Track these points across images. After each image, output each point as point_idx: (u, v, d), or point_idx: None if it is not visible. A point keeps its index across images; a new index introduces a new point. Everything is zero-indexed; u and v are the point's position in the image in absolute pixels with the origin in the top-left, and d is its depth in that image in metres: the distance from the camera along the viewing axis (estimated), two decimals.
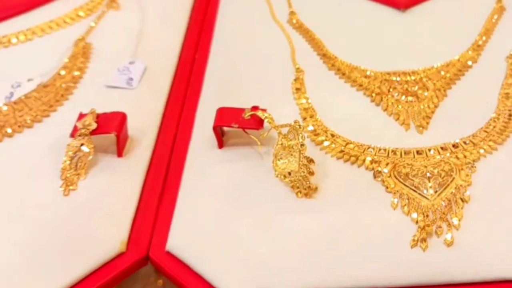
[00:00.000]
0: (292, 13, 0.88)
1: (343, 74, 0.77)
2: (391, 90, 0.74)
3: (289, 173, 0.63)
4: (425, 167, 0.64)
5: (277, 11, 0.89)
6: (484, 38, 0.80)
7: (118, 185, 0.68)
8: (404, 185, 0.63)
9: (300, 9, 0.88)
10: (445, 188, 0.62)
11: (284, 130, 0.65)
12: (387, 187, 0.63)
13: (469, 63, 0.77)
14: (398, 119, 0.71)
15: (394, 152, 0.66)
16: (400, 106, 0.72)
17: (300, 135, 0.64)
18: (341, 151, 0.67)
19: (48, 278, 0.59)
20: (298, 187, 0.63)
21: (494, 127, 0.68)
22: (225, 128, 0.70)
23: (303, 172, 0.63)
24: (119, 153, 0.70)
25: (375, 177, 0.64)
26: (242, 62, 0.81)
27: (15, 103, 0.77)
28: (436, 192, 0.61)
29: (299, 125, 0.64)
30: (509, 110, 0.70)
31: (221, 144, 0.70)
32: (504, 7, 0.84)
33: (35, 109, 0.76)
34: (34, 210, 0.65)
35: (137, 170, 0.70)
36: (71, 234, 0.63)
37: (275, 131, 0.66)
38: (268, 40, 0.84)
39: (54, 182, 0.68)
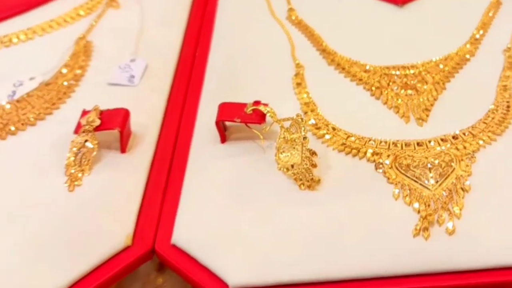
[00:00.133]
0: (291, 9, 0.88)
1: (343, 68, 0.78)
2: (390, 84, 0.75)
3: (292, 166, 0.64)
4: (426, 158, 0.65)
5: (275, 7, 0.89)
6: (481, 32, 0.81)
7: (123, 180, 0.69)
8: (406, 176, 0.63)
9: (299, 5, 0.89)
10: (446, 178, 0.63)
11: (286, 124, 0.66)
12: (388, 179, 0.64)
13: (467, 56, 0.78)
14: (398, 112, 0.71)
15: (395, 144, 0.67)
16: (399, 100, 0.73)
17: (303, 128, 0.64)
18: (343, 144, 0.68)
19: (56, 273, 0.60)
20: (301, 180, 0.64)
21: (493, 118, 0.69)
22: (228, 123, 0.70)
23: (306, 164, 0.63)
24: (123, 149, 0.71)
25: (376, 168, 0.65)
26: (242, 58, 0.82)
27: (17, 101, 0.77)
28: (437, 182, 0.62)
29: (301, 118, 0.65)
30: (507, 102, 0.71)
31: (223, 139, 0.71)
32: (501, 1, 0.85)
33: (37, 107, 0.77)
34: (39, 206, 0.66)
35: (140, 166, 0.71)
36: (77, 229, 0.64)
37: (277, 125, 0.66)
38: (267, 37, 0.85)
39: (59, 178, 0.68)
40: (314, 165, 0.64)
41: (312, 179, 0.64)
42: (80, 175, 0.68)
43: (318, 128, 0.70)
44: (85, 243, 0.62)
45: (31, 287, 0.59)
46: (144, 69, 0.82)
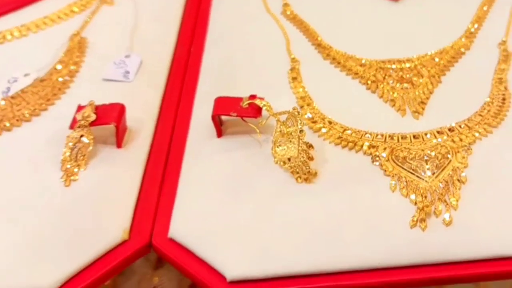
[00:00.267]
0: (285, 4, 0.88)
1: (339, 63, 0.78)
2: (386, 77, 0.75)
3: (289, 159, 0.64)
4: (422, 150, 0.65)
5: (270, 3, 0.89)
6: (476, 25, 0.81)
7: (119, 175, 0.69)
8: (402, 168, 0.64)
9: (293, 0, 0.89)
10: (442, 170, 0.63)
11: (282, 118, 0.66)
12: (385, 171, 0.64)
13: (462, 50, 0.78)
14: (394, 105, 0.72)
15: (391, 137, 0.67)
16: (395, 93, 0.73)
17: (299, 121, 0.64)
18: (339, 137, 0.68)
19: (53, 268, 0.60)
20: (298, 173, 0.64)
21: (489, 111, 0.69)
22: (224, 117, 0.71)
23: (303, 157, 0.64)
24: (119, 144, 0.71)
25: (373, 161, 0.65)
26: (237, 53, 0.82)
27: (12, 97, 0.77)
28: (433, 174, 0.63)
29: (298, 112, 0.65)
30: (503, 94, 0.71)
31: (220, 133, 0.71)
32: None
33: (32, 103, 0.77)
34: (36, 201, 0.66)
35: (136, 160, 0.71)
36: (74, 224, 0.63)
37: (273, 119, 0.66)
38: (262, 32, 0.85)
39: (55, 173, 0.68)
40: (311, 158, 0.64)
41: (309, 172, 0.64)
42: (76, 170, 0.68)
43: (315, 122, 0.71)
44: (82, 237, 0.62)
45: (28, 281, 0.59)
46: (139, 65, 0.82)
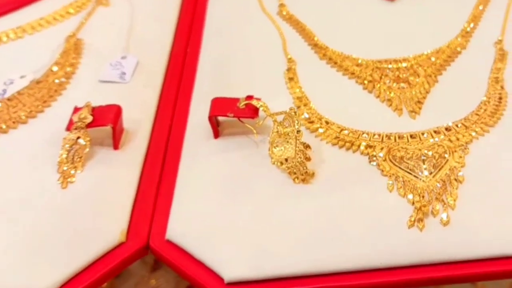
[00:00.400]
0: (281, 5, 0.88)
1: (335, 63, 0.78)
2: (383, 77, 0.75)
3: (286, 160, 0.64)
4: (420, 150, 0.65)
5: (266, 3, 0.89)
6: (472, 25, 0.81)
7: (116, 176, 0.69)
8: (400, 168, 0.63)
9: (289, 0, 0.89)
10: (439, 170, 0.63)
11: (280, 118, 0.66)
12: (382, 171, 0.64)
13: (458, 49, 0.78)
14: (391, 105, 0.72)
15: (388, 137, 0.67)
16: (392, 93, 0.73)
17: (296, 121, 0.64)
18: (336, 138, 0.68)
19: (50, 270, 0.60)
20: (295, 173, 0.64)
21: (485, 110, 0.69)
22: (220, 118, 0.70)
23: (300, 158, 0.64)
24: (115, 146, 0.71)
25: (370, 161, 0.65)
26: (234, 53, 0.82)
27: (8, 99, 0.77)
28: (431, 173, 0.63)
29: (295, 112, 0.65)
30: (499, 94, 0.71)
31: (216, 134, 0.70)
32: None
33: (29, 105, 0.77)
34: (33, 203, 0.66)
35: (133, 162, 0.70)
36: (71, 226, 0.63)
37: (270, 120, 0.66)
38: (259, 32, 0.85)
39: (52, 175, 0.68)
40: (308, 159, 0.64)
41: (306, 172, 0.64)
42: (73, 172, 0.68)
43: (311, 122, 0.70)
44: (79, 239, 0.62)
45: (25, 283, 0.59)
46: (135, 66, 0.82)
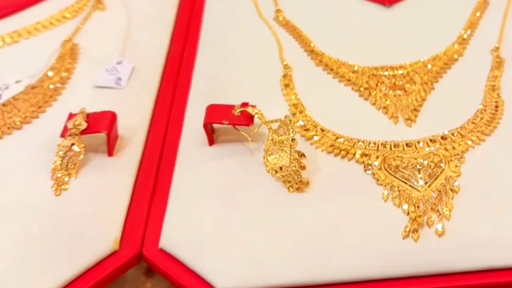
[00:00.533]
0: (278, 10, 0.88)
1: (331, 69, 0.78)
2: (379, 84, 0.74)
3: (281, 168, 0.64)
4: (415, 159, 0.65)
5: (263, 9, 0.89)
6: (469, 32, 0.81)
7: (110, 184, 0.68)
8: (395, 177, 0.63)
9: (286, 6, 0.89)
10: (435, 179, 0.62)
11: (275, 126, 0.66)
12: (377, 180, 0.64)
13: (455, 56, 0.78)
14: (386, 113, 0.71)
15: (383, 145, 0.67)
16: (388, 100, 0.72)
17: (291, 129, 0.64)
18: (331, 146, 0.68)
19: (42, 278, 0.59)
20: (289, 182, 0.64)
21: (482, 118, 0.69)
22: (216, 125, 0.70)
23: (295, 166, 0.63)
24: (110, 152, 0.71)
25: (365, 170, 0.65)
26: (230, 60, 0.82)
27: (3, 104, 0.77)
28: (426, 183, 0.62)
29: (290, 120, 0.65)
30: (496, 102, 0.71)
31: (211, 141, 0.70)
32: (488, 1, 0.85)
33: (23, 111, 0.76)
34: (26, 210, 0.65)
35: (128, 169, 0.70)
36: (64, 234, 0.63)
37: (265, 127, 0.66)
38: (255, 38, 0.85)
39: (45, 182, 0.68)
40: (303, 167, 0.64)
41: (300, 181, 0.64)
42: (66, 179, 0.68)
43: (307, 130, 0.70)
44: (71, 247, 0.62)
45: None
46: (131, 71, 0.81)
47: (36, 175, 0.69)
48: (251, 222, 0.62)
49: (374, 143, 0.67)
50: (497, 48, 0.77)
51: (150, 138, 0.74)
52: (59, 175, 0.68)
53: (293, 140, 0.64)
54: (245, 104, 0.68)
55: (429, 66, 0.76)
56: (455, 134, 0.67)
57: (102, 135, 0.70)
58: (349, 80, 0.76)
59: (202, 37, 0.86)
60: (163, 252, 0.62)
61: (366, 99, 0.74)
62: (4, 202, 0.66)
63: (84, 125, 0.70)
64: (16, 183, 0.68)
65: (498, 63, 0.75)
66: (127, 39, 0.87)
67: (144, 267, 0.75)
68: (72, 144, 0.69)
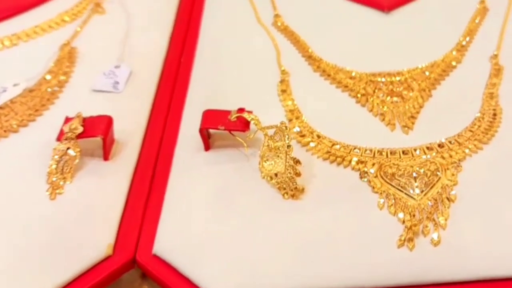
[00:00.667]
0: (276, 15, 0.88)
1: (329, 75, 0.77)
2: (376, 91, 0.74)
3: (276, 175, 0.63)
4: (411, 167, 0.64)
5: (261, 14, 0.89)
6: (467, 38, 0.80)
7: (105, 188, 0.68)
8: (391, 185, 0.63)
9: (285, 11, 0.88)
10: (431, 188, 0.62)
11: (270, 132, 0.65)
12: (373, 188, 0.63)
13: (453, 63, 0.77)
14: (383, 119, 0.71)
15: (380, 152, 0.66)
16: (385, 107, 0.72)
17: (286, 136, 0.64)
18: (327, 152, 0.68)
19: (35, 282, 0.59)
20: (284, 188, 0.64)
21: (479, 126, 0.68)
22: (211, 131, 0.70)
23: (290, 173, 0.63)
24: (106, 157, 0.70)
25: (361, 177, 0.65)
26: (227, 65, 0.81)
27: (1, 108, 0.76)
28: (422, 191, 0.62)
29: (285, 126, 0.65)
30: (494, 110, 0.70)
31: (207, 147, 0.70)
32: (487, 8, 0.85)
33: (21, 114, 0.76)
34: (20, 214, 0.65)
35: (123, 173, 0.70)
36: (58, 238, 0.63)
37: (261, 133, 0.66)
38: (253, 43, 0.84)
39: (41, 186, 0.67)
40: (298, 174, 0.63)
41: (296, 188, 0.63)
42: (62, 183, 0.68)
43: (303, 136, 0.70)
44: (65, 252, 0.62)
45: None
46: (129, 76, 0.81)
47: (32, 178, 0.68)
48: (246, 228, 0.62)
49: (371, 150, 0.67)
50: (496, 55, 0.77)
51: (146, 143, 0.74)
52: (54, 179, 0.68)
53: (288, 146, 0.63)
54: (241, 110, 0.68)
55: (427, 73, 0.76)
56: (452, 142, 0.67)
57: (98, 140, 0.69)
58: (346, 86, 0.75)
59: (200, 42, 0.86)
60: (157, 258, 0.62)
61: (363, 105, 0.73)
62: None
63: (80, 129, 0.70)
64: (11, 186, 0.68)
65: (497, 71, 0.75)
66: (126, 43, 0.87)
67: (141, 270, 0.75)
68: (68, 148, 0.69)
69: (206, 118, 0.69)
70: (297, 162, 0.64)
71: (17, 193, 0.67)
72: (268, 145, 0.64)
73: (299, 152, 0.68)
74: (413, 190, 0.62)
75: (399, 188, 0.62)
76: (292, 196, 0.63)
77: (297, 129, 0.71)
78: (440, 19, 0.84)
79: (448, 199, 0.61)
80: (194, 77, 0.81)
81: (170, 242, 0.62)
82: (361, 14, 0.87)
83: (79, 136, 0.69)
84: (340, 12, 0.88)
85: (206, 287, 0.58)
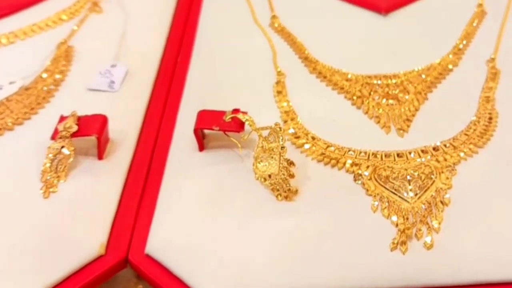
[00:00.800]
0: (274, 17, 0.88)
1: (324, 77, 0.77)
2: (372, 93, 0.74)
3: (269, 176, 0.63)
4: (406, 170, 0.64)
5: (259, 15, 0.89)
6: (464, 42, 0.80)
7: (99, 187, 0.68)
8: (385, 188, 0.63)
9: (282, 13, 0.88)
10: (425, 191, 0.62)
11: (265, 133, 0.65)
12: (367, 190, 0.63)
13: (450, 66, 0.77)
14: (379, 122, 0.71)
15: (374, 155, 0.66)
16: (381, 109, 0.72)
17: (281, 137, 0.64)
18: (322, 154, 0.67)
19: (27, 281, 0.59)
20: (278, 190, 0.63)
21: (475, 130, 0.68)
22: (206, 131, 0.70)
23: (283, 174, 0.63)
24: (100, 156, 0.70)
25: (355, 180, 0.64)
26: (224, 65, 0.81)
27: None
28: (416, 195, 0.62)
29: (280, 128, 0.64)
30: (490, 113, 0.70)
31: (202, 147, 0.70)
32: (485, 11, 0.85)
33: (16, 112, 0.76)
34: (14, 212, 0.65)
35: (117, 173, 0.70)
36: (51, 237, 0.63)
37: (255, 134, 0.66)
38: (250, 44, 0.84)
39: (35, 184, 0.67)
40: (292, 176, 0.63)
41: (289, 189, 0.63)
42: (56, 181, 0.67)
43: (298, 137, 0.70)
44: (58, 250, 0.61)
45: None
46: (125, 75, 0.81)
47: (26, 176, 0.68)
48: (239, 229, 0.61)
49: (365, 153, 0.67)
50: (492, 59, 0.77)
51: (141, 143, 0.73)
52: (48, 177, 0.68)
53: (282, 148, 0.63)
54: (236, 111, 0.68)
55: (423, 76, 0.75)
56: (447, 146, 0.67)
57: (93, 139, 0.69)
58: (342, 88, 0.75)
59: (197, 42, 0.86)
60: (149, 257, 0.61)
61: (358, 107, 0.73)
62: None
63: (74, 128, 0.69)
64: (5, 184, 0.68)
65: (494, 74, 0.75)
66: (123, 42, 0.87)
67: None
68: (62, 147, 0.69)
69: (201, 118, 0.69)
70: (291, 163, 0.63)
71: (11, 191, 0.67)
72: (262, 146, 0.64)
73: (294, 153, 0.67)
74: (407, 193, 0.62)
75: (393, 191, 0.62)
76: (286, 197, 0.63)
77: (291, 130, 0.70)
78: (437, 22, 0.84)
79: (442, 202, 0.61)
80: (190, 77, 0.80)
81: (163, 242, 0.62)
82: (358, 16, 0.87)
83: (74, 135, 0.69)
84: (338, 14, 0.88)
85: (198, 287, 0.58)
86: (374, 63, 0.78)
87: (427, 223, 0.59)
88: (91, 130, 0.69)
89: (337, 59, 0.79)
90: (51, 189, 0.67)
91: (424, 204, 0.61)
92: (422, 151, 0.66)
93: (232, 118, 0.68)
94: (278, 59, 0.81)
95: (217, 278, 0.58)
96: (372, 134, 0.70)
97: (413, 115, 0.71)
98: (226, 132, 0.68)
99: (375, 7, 0.87)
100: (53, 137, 0.70)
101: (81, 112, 0.71)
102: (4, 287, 0.59)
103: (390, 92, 0.74)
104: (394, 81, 0.75)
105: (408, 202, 0.61)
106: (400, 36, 0.83)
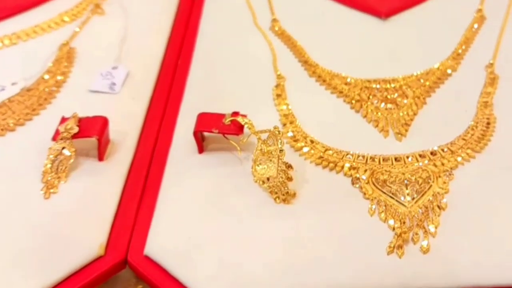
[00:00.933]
0: (274, 20, 0.88)
1: (324, 81, 0.78)
2: (370, 97, 0.74)
3: (268, 179, 0.64)
4: (403, 174, 0.64)
5: (259, 18, 0.89)
6: (464, 47, 0.80)
7: (99, 189, 0.68)
8: (382, 191, 0.63)
9: (283, 16, 0.89)
10: (422, 195, 0.62)
11: (264, 136, 0.65)
12: (364, 194, 0.63)
13: (449, 71, 0.77)
14: (377, 126, 0.71)
15: (372, 158, 0.67)
16: (379, 113, 0.72)
17: (279, 140, 0.64)
18: (320, 157, 0.68)
19: (26, 281, 0.59)
20: (276, 193, 0.64)
21: (472, 135, 0.68)
22: (206, 133, 0.70)
23: (282, 177, 0.63)
24: (100, 157, 0.71)
25: (353, 183, 0.65)
26: (224, 68, 0.82)
27: None
28: (413, 199, 0.62)
29: (278, 131, 0.65)
30: (487, 119, 0.70)
31: (201, 149, 0.70)
32: (485, 16, 0.85)
33: (18, 113, 0.76)
34: (14, 212, 0.65)
35: (117, 174, 0.70)
36: (50, 237, 0.63)
37: (254, 137, 0.66)
38: (250, 47, 0.85)
39: (36, 185, 0.68)
40: (290, 179, 0.63)
41: (287, 192, 0.63)
42: (56, 182, 0.68)
43: (296, 141, 0.70)
44: (58, 251, 0.62)
45: None
46: (126, 77, 0.81)
47: (26, 177, 0.69)
48: (237, 231, 0.62)
49: (363, 156, 0.67)
50: (491, 64, 0.77)
51: (141, 144, 0.74)
52: (49, 178, 0.68)
53: (281, 151, 0.64)
54: (235, 113, 0.68)
55: (422, 80, 0.76)
56: (445, 150, 0.67)
57: (93, 140, 0.70)
58: (341, 92, 0.76)
59: (197, 45, 0.86)
60: (148, 259, 0.62)
61: (357, 111, 0.73)
62: None
63: (75, 129, 0.70)
64: (6, 184, 0.68)
65: (492, 80, 0.75)
66: (124, 44, 0.87)
67: None
68: (63, 148, 0.69)
69: (201, 121, 0.69)
70: (289, 167, 0.64)
71: (12, 191, 0.68)
72: (261, 149, 0.65)
73: (292, 156, 0.68)
74: (404, 197, 0.62)
75: (390, 195, 0.62)
76: (284, 200, 0.64)
77: (290, 133, 0.71)
78: (437, 27, 0.85)
79: (439, 207, 0.61)
80: (191, 80, 0.81)
81: (162, 243, 0.62)
82: (358, 20, 0.87)
83: (75, 136, 0.70)
84: (338, 18, 0.88)
85: None
86: (374, 67, 0.78)
87: (424, 227, 0.60)
88: (92, 131, 0.70)
89: (337, 63, 0.79)
90: (51, 190, 0.67)
91: (421, 208, 0.61)
92: (420, 155, 0.66)
93: (231, 121, 0.68)
94: (278, 62, 0.81)
95: (215, 280, 0.58)
96: (370, 138, 0.70)
97: (411, 120, 0.71)
98: (226, 135, 0.69)
99: (375, 12, 0.87)
100: (54, 138, 0.70)
101: (82, 114, 0.71)
102: (4, 287, 0.59)
103: (388, 96, 0.74)
104: (393, 85, 0.75)
105: (405, 206, 0.61)
106: (400, 41, 0.83)
